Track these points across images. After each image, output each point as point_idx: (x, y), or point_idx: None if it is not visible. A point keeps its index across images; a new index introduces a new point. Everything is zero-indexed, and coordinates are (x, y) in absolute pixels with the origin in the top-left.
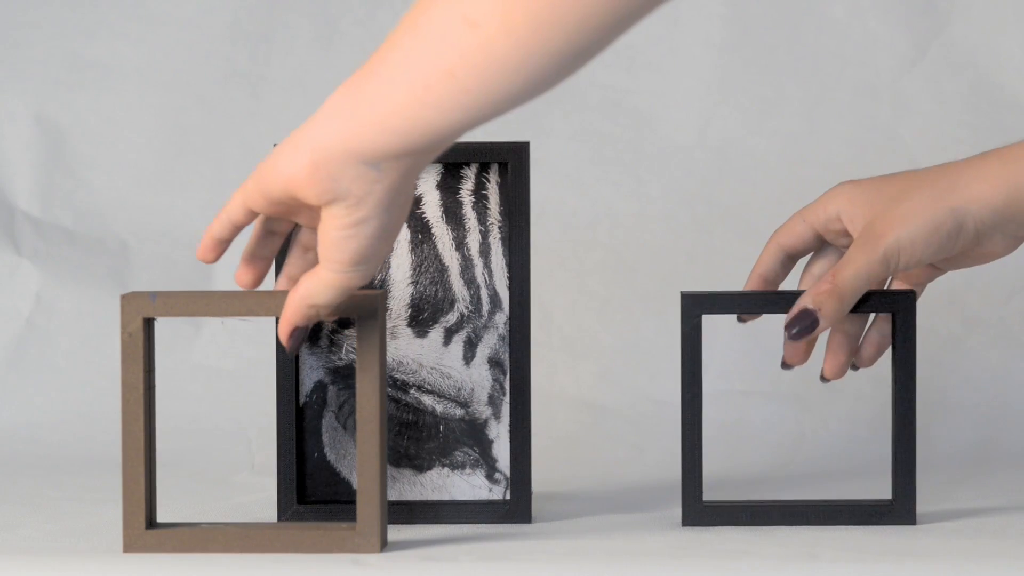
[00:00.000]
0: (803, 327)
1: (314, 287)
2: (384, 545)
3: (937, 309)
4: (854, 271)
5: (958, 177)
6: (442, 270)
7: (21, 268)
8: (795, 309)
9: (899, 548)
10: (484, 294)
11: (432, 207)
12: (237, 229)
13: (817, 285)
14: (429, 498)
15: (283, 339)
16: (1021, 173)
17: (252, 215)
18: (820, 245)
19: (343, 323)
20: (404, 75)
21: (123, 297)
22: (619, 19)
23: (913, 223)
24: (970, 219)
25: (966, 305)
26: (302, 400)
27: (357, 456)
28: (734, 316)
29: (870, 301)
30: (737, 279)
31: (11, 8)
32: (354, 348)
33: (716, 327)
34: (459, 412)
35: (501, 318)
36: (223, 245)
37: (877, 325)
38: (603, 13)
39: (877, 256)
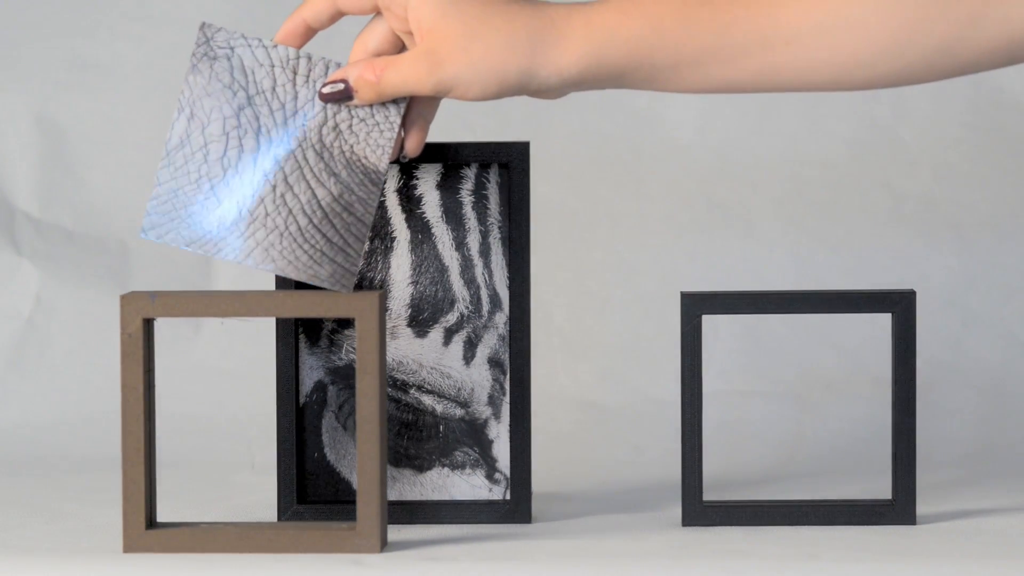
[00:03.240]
0: (335, 96)
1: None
2: (384, 545)
3: (937, 309)
4: (401, 81)
5: (541, 35)
6: (442, 270)
7: (21, 268)
8: (338, 75)
9: (899, 548)
10: (484, 294)
11: (432, 207)
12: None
13: (366, 68)
14: (429, 498)
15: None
16: (602, 50)
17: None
18: (376, 15)
19: (343, 323)
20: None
21: (123, 297)
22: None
23: (478, 67)
24: (536, 83)
25: (966, 305)
26: (302, 400)
27: (357, 456)
28: (734, 316)
29: (866, 302)
30: (737, 279)
31: (11, 8)
32: (354, 348)
33: (716, 327)
34: (459, 412)
35: (501, 318)
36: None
37: (414, 107)
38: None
39: (431, 82)
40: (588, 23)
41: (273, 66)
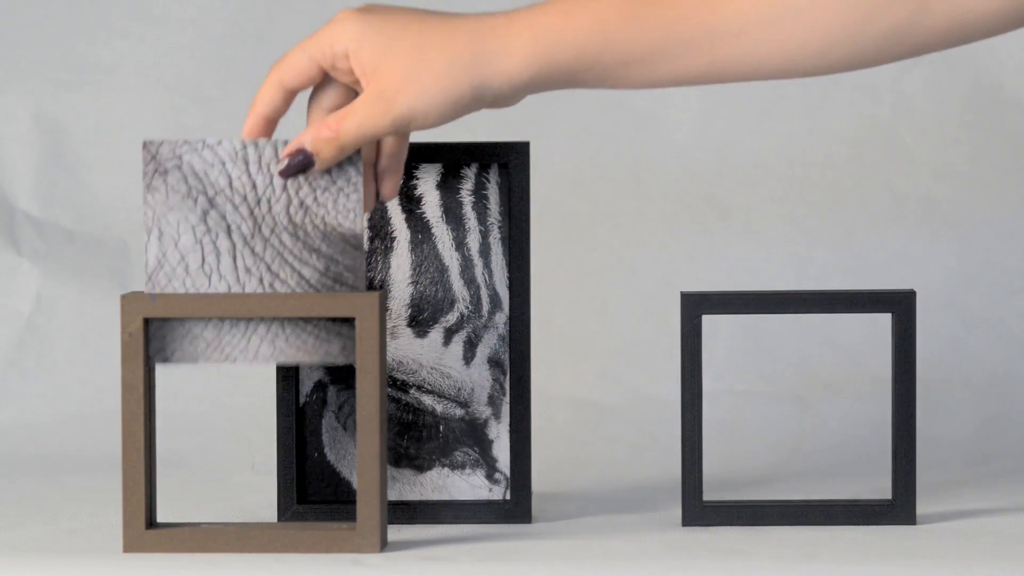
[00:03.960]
0: (297, 166)
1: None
2: (384, 545)
3: (937, 309)
4: (358, 128)
5: (484, 46)
6: (442, 270)
7: (21, 268)
8: (292, 146)
9: (899, 548)
10: (484, 294)
11: (432, 207)
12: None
13: (319, 127)
14: (429, 498)
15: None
16: (549, 54)
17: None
18: (325, 77)
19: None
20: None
21: (123, 297)
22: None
23: (430, 93)
24: (490, 93)
25: (966, 305)
26: (302, 400)
27: (357, 456)
28: (734, 316)
29: (866, 302)
30: (737, 279)
31: (11, 8)
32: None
33: (716, 327)
34: (459, 412)
35: (501, 318)
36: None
37: (384, 153)
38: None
39: (387, 120)
40: (532, 28)
41: (224, 163)
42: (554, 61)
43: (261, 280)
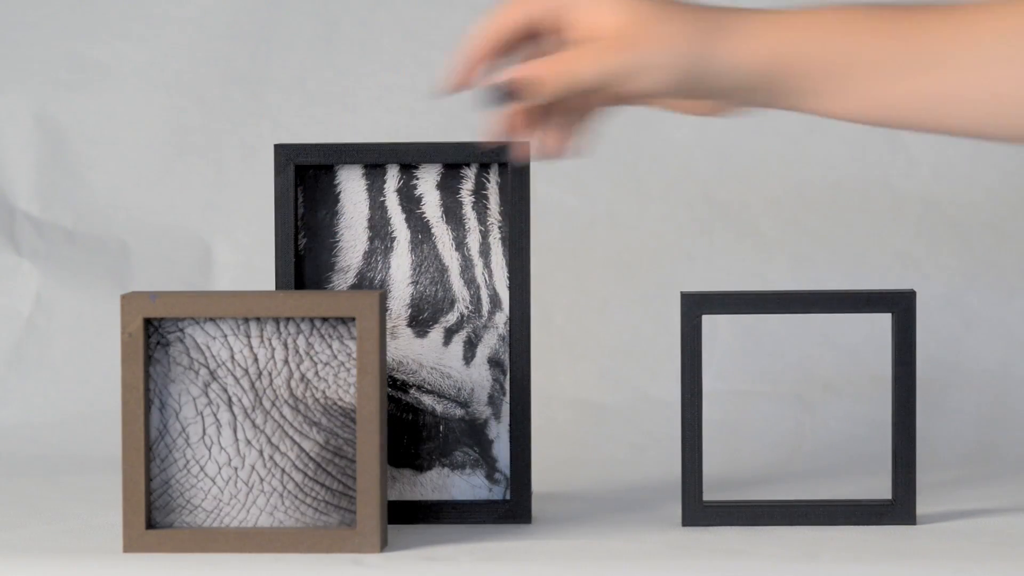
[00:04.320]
0: (503, 94)
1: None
2: (384, 545)
3: (937, 309)
4: (592, 63)
5: (721, 23)
6: (442, 270)
7: (21, 268)
8: (502, 77)
9: (899, 548)
10: (484, 294)
11: (432, 207)
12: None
13: (552, 61)
14: (429, 498)
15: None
16: (781, 43)
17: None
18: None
19: None
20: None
21: (123, 297)
22: None
23: (669, 53)
24: (713, 70)
25: (966, 305)
26: None
27: (357, 456)
28: (734, 316)
29: (866, 302)
30: (737, 279)
31: (11, 8)
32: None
33: (716, 327)
34: (459, 412)
35: (501, 318)
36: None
37: (584, 109)
38: None
39: (621, 59)
40: (768, 20)
41: (226, 336)
42: (781, 56)
43: (261, 452)
